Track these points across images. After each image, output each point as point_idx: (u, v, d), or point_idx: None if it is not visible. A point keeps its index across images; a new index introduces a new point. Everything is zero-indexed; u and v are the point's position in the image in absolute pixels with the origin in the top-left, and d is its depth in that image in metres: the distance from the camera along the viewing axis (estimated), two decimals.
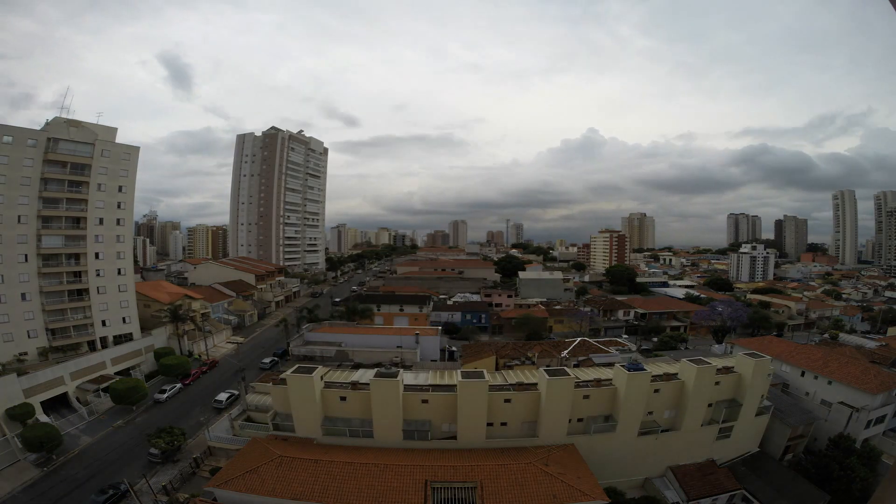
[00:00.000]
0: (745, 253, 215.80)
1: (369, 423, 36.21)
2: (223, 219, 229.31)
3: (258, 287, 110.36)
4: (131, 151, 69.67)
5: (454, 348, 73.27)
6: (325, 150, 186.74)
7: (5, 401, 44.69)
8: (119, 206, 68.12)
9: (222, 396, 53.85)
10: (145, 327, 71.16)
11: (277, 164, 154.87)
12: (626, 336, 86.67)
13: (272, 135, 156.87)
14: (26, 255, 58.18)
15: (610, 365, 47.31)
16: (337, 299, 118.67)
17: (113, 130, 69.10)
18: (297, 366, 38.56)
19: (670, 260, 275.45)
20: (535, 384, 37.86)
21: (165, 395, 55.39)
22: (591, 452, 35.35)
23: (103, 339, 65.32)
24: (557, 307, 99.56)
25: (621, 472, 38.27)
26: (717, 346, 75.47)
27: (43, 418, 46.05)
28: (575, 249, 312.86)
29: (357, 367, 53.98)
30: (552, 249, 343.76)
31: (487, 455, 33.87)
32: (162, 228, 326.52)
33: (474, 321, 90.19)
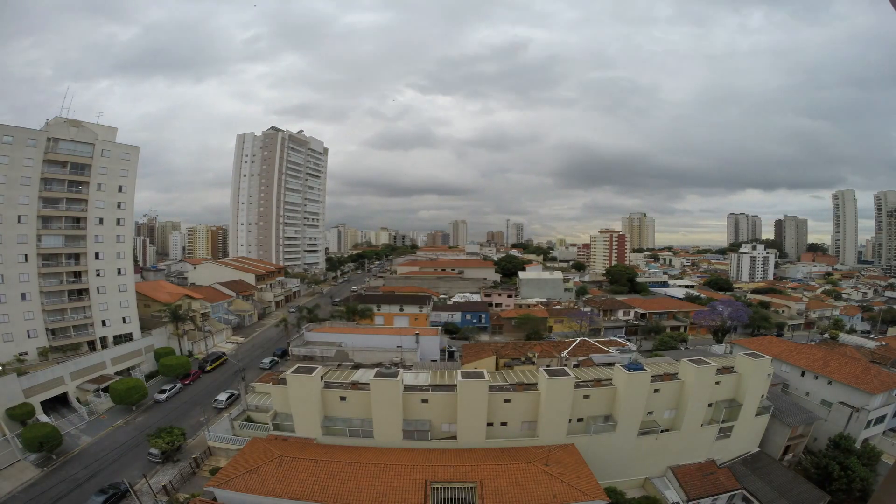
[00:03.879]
0: (745, 253, 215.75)
1: (369, 423, 36.22)
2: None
3: (258, 287, 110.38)
4: (131, 151, 69.66)
5: (454, 348, 73.26)
6: (325, 150, 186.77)
7: (5, 401, 44.73)
8: (119, 206, 68.10)
9: (222, 396, 53.86)
10: (145, 327, 71.15)
11: (277, 164, 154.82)
12: (624, 336, 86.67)
13: (272, 135, 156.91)
14: (26, 255, 58.16)
15: (610, 365, 47.29)
16: (337, 299, 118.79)
17: (113, 130, 69.15)
18: (297, 366, 38.55)
19: (670, 260, 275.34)
20: (535, 384, 37.88)
21: (165, 395, 55.42)
22: (591, 452, 35.32)
23: (103, 339, 65.31)
24: (557, 307, 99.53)
25: (621, 472, 38.30)
26: (716, 346, 75.44)
27: (43, 418, 46.07)
28: (575, 249, 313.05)
29: (357, 367, 54.00)
30: (552, 249, 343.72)
31: (487, 455, 33.88)
32: (162, 228, 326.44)
33: (474, 321, 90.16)
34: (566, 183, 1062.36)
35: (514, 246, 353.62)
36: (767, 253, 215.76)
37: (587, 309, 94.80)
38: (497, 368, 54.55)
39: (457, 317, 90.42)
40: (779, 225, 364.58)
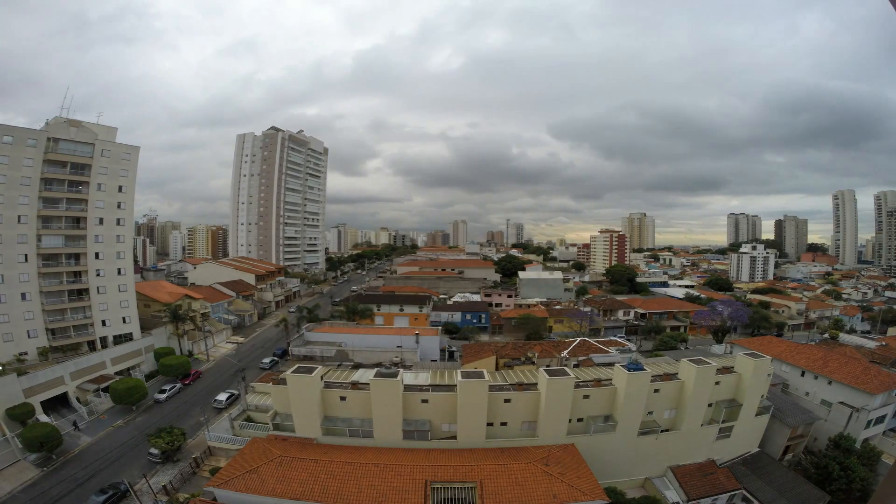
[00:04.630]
0: (745, 253, 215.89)
1: (369, 423, 36.22)
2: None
3: (258, 287, 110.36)
4: (131, 151, 69.67)
5: (454, 348, 73.25)
6: (325, 150, 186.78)
7: (5, 401, 44.72)
8: (119, 206, 68.12)
9: (222, 396, 53.85)
10: (145, 327, 71.16)
11: (277, 164, 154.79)
12: (624, 336, 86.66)
13: (272, 135, 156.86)
14: (26, 255, 58.17)
15: (610, 365, 47.29)
16: (337, 299, 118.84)
17: (113, 130, 69.15)
18: (297, 366, 38.53)
19: (670, 260, 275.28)
20: (535, 384, 37.88)
21: (165, 395, 55.41)
22: (591, 452, 35.33)
23: (103, 339, 65.32)
24: (557, 307, 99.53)
25: (621, 472, 38.31)
26: (716, 346, 75.44)
27: (43, 418, 46.06)
28: (575, 249, 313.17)
29: (357, 367, 54.00)
30: (552, 249, 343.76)
31: (487, 455, 33.88)
32: (162, 228, 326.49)
33: (474, 321, 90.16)
34: (470, 189, 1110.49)
35: (514, 246, 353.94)
36: (767, 253, 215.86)
37: (587, 309, 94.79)
38: (497, 368, 54.55)
39: (457, 317, 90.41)
40: (779, 225, 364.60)
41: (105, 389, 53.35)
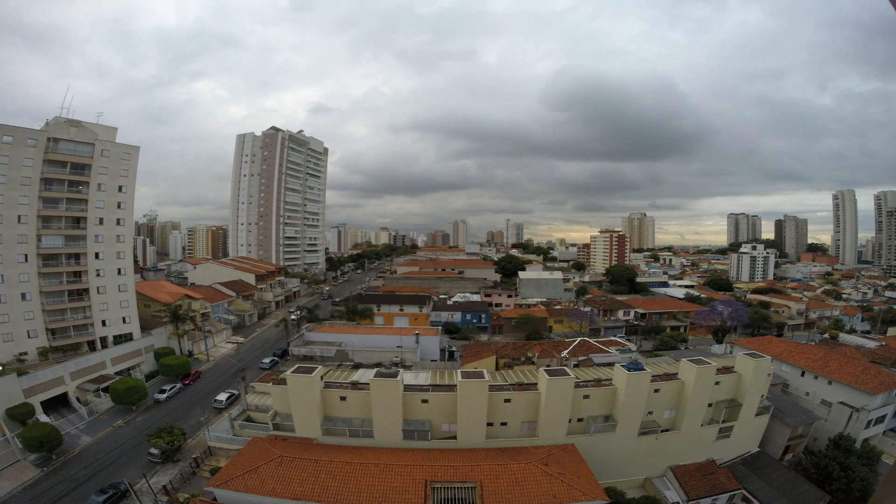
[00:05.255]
0: (745, 253, 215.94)
1: (369, 423, 36.22)
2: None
3: (258, 287, 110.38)
4: (131, 151, 69.63)
5: (454, 348, 73.25)
6: (325, 150, 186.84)
7: (5, 401, 44.73)
8: (119, 206, 68.09)
9: (222, 396, 53.86)
10: (145, 327, 71.15)
11: (277, 164, 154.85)
12: (624, 336, 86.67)
13: (272, 135, 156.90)
14: (26, 255, 58.14)
15: (610, 365, 47.30)
16: (337, 299, 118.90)
17: (113, 130, 69.12)
18: (297, 366, 38.55)
19: (670, 260, 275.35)
20: (535, 384, 37.89)
21: (165, 395, 55.41)
22: (591, 452, 35.33)
23: (103, 339, 65.29)
24: (557, 307, 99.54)
25: (621, 472, 38.31)
26: (716, 346, 75.42)
27: (43, 418, 46.06)
28: (575, 249, 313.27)
29: (357, 367, 53.98)
30: (552, 249, 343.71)
31: (487, 455, 33.89)
32: (162, 228, 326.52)
33: (474, 321, 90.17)
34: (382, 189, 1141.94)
35: (514, 246, 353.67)
36: (767, 253, 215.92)
37: (587, 309, 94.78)
38: (497, 368, 54.57)
39: (457, 317, 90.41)
40: (779, 225, 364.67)
41: (105, 389, 53.34)
